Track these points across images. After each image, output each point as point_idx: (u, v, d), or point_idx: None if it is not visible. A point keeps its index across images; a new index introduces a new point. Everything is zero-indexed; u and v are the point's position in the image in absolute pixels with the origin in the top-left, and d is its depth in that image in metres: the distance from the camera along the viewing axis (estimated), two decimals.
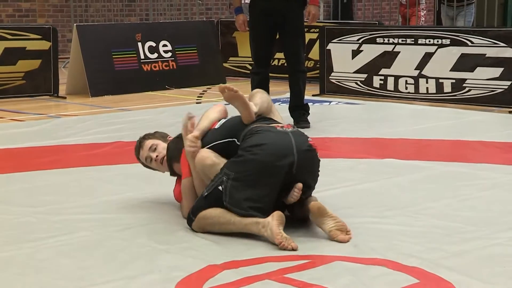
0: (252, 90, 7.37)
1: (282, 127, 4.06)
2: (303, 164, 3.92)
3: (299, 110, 7.33)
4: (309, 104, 7.59)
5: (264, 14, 7.14)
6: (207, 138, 4.18)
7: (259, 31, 7.22)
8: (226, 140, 4.12)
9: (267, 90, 6.92)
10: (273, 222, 3.77)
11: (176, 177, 4.52)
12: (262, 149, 3.89)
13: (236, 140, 4.08)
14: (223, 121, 4.27)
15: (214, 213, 3.94)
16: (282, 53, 7.62)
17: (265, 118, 4.23)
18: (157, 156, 4.49)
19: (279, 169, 3.87)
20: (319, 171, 4.12)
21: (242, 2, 7.59)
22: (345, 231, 3.86)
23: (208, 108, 4.44)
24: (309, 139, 4.05)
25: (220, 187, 3.93)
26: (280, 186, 3.91)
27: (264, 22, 7.16)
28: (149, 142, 4.53)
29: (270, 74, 7.43)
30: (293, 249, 3.71)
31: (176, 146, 4.38)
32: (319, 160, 4.10)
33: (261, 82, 7.21)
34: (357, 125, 7.40)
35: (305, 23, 7.29)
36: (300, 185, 3.92)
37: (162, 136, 4.59)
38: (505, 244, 3.81)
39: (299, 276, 3.37)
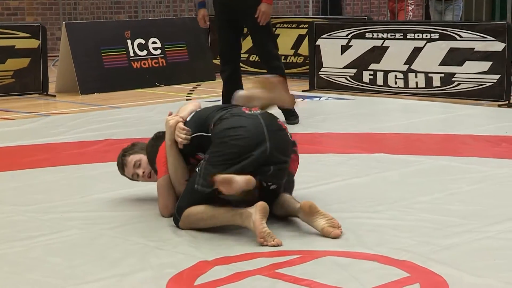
0: (222, 88, 7.29)
1: (250, 109, 4.08)
2: (275, 144, 3.94)
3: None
4: (298, 100, 7.58)
5: (224, 10, 7.04)
6: None
7: (221, 27, 7.11)
8: (196, 134, 4.12)
9: (238, 86, 6.81)
10: (256, 215, 3.75)
11: None
12: (235, 132, 3.92)
13: (204, 133, 4.09)
14: (190, 116, 4.25)
15: (197, 210, 3.96)
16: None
17: (227, 107, 4.24)
18: (143, 172, 4.46)
19: (253, 152, 3.89)
20: (293, 149, 4.12)
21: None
22: (337, 226, 3.86)
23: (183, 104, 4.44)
24: (277, 119, 4.09)
25: (197, 169, 3.99)
26: (254, 166, 3.91)
27: (225, 18, 7.05)
28: (131, 159, 4.49)
29: (259, 70, 7.37)
30: (277, 245, 3.70)
31: (153, 149, 4.35)
32: (291, 138, 4.10)
33: (228, 79, 7.14)
34: (347, 120, 7.40)
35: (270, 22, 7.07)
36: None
37: (141, 148, 4.53)
38: (495, 237, 3.82)
39: (290, 271, 3.38)
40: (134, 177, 4.54)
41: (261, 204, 3.77)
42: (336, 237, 3.81)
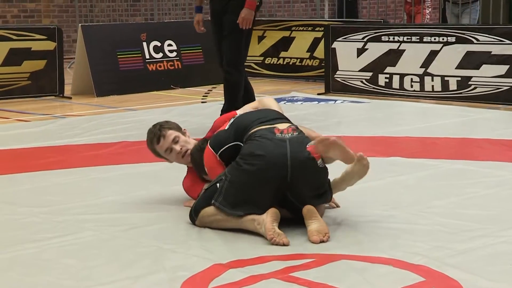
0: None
1: (281, 132, 4.04)
2: (298, 174, 3.91)
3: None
4: (313, 103, 7.55)
5: (213, 15, 7.06)
6: (219, 139, 4.22)
7: (213, 33, 7.07)
8: (233, 143, 4.16)
9: (245, 90, 6.89)
10: (267, 219, 3.82)
11: (186, 168, 4.54)
12: (257, 161, 3.91)
13: (241, 143, 4.12)
14: (232, 120, 4.30)
15: (211, 211, 4.00)
16: (287, 52, 7.50)
17: (267, 112, 4.32)
18: (181, 148, 4.46)
19: (271, 180, 3.90)
20: (325, 177, 4.08)
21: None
22: (323, 233, 3.84)
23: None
24: (308, 145, 4.00)
25: (217, 184, 4.01)
26: (274, 192, 3.94)
27: (214, 23, 7.04)
28: (171, 133, 4.47)
29: (275, 73, 7.33)
30: (284, 244, 3.72)
31: (199, 152, 4.35)
32: (323, 168, 4.03)
33: None
34: (363, 124, 7.39)
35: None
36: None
37: (177, 127, 4.55)
38: (511, 242, 3.80)
39: (305, 275, 3.37)
40: (167, 153, 4.48)
41: (272, 210, 3.85)
42: (313, 242, 3.78)
